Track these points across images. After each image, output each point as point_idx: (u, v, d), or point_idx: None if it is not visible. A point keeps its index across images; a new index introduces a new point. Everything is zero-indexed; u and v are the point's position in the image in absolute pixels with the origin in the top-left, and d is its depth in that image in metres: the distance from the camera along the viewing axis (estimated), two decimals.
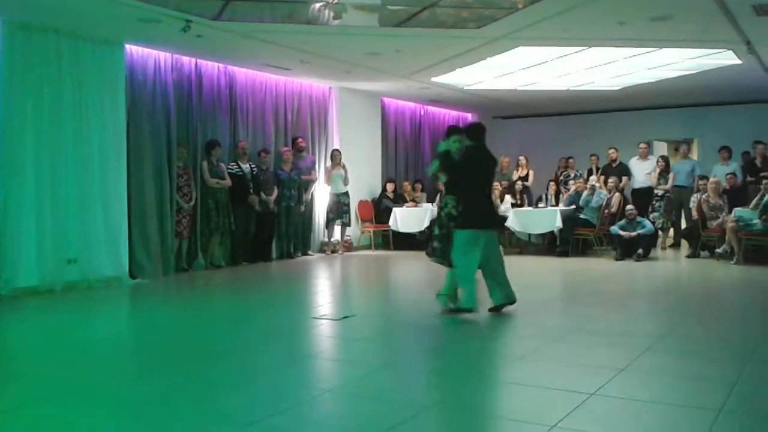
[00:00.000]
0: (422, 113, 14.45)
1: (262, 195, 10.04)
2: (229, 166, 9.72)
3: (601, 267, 9.57)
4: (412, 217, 11.95)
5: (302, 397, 3.82)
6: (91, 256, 7.80)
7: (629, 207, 10.64)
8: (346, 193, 11.49)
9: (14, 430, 3.34)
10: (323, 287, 8.41)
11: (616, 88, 12.13)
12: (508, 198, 11.73)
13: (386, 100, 13.31)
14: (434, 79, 11.20)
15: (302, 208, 10.83)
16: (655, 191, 11.63)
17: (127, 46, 8.38)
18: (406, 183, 13.20)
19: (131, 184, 8.34)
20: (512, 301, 5.97)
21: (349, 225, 11.68)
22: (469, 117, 15.79)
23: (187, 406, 3.66)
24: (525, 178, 12.67)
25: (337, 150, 11.56)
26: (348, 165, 11.56)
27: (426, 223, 11.52)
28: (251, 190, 9.86)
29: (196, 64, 9.41)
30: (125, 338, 5.75)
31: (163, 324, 6.08)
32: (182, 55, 9.16)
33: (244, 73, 10.22)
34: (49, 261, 7.45)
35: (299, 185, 10.75)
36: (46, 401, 3.73)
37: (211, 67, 9.67)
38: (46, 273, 7.43)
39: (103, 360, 4.73)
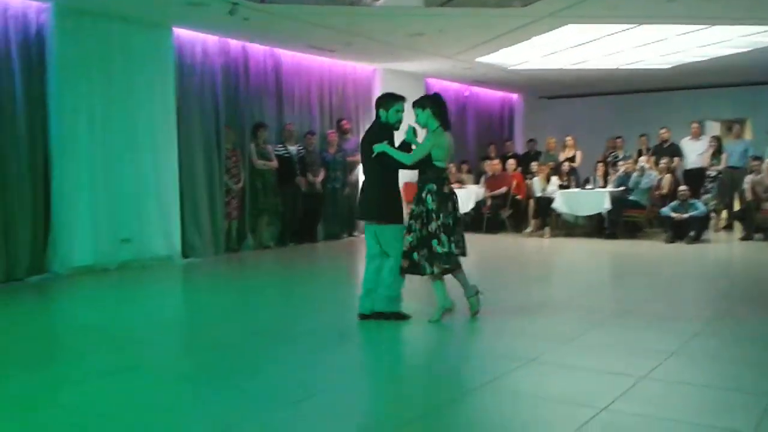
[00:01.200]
0: (466, 94, 14.32)
1: (309, 176, 10.13)
2: (276, 148, 9.82)
3: (652, 250, 9.40)
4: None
5: (345, 379, 3.88)
6: (144, 236, 8.02)
7: (682, 188, 10.40)
8: None
9: (75, 403, 3.48)
10: None
11: (667, 67, 11.84)
12: (554, 179, 11.58)
13: (430, 80, 13.23)
14: (478, 60, 11.08)
15: (347, 189, 10.90)
16: (708, 172, 11.35)
17: (175, 30, 8.50)
18: (451, 164, 13.11)
19: (182, 165, 8.50)
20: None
21: None
22: (514, 97, 15.61)
23: (240, 382, 3.76)
24: (572, 159, 12.45)
25: None
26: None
27: (471, 205, 11.53)
28: (298, 172, 9.95)
29: (243, 47, 9.51)
30: (179, 316, 5.92)
31: (215, 303, 6.22)
32: (229, 39, 9.25)
33: (290, 56, 10.27)
34: (103, 240, 7.66)
35: (344, 167, 10.81)
36: (101, 376, 3.87)
37: (257, 50, 9.75)
38: (101, 252, 7.65)
39: (158, 336, 4.88)
